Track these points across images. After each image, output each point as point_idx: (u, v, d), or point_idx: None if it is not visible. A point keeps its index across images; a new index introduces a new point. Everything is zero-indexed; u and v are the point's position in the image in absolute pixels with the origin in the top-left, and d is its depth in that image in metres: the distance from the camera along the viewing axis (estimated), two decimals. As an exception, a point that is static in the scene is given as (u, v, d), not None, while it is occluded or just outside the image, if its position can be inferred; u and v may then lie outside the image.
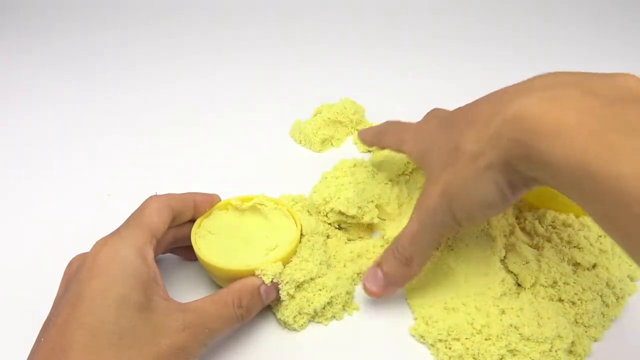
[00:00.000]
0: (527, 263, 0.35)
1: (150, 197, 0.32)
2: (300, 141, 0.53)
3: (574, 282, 0.34)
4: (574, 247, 0.36)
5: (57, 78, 0.68)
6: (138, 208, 0.31)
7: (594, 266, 0.36)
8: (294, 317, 0.33)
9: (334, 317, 0.34)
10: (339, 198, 0.38)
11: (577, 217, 0.38)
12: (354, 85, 0.66)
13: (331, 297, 0.33)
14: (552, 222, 0.38)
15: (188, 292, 0.35)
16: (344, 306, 0.35)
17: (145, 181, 0.47)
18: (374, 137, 0.43)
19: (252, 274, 0.31)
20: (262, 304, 0.32)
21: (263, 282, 0.31)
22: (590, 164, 0.20)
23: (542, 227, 0.38)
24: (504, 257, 0.36)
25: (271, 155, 0.51)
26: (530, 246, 0.37)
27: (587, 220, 0.38)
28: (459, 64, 0.73)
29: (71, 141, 0.54)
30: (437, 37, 0.83)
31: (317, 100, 0.56)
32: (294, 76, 0.69)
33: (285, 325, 0.33)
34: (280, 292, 0.32)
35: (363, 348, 0.32)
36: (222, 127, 0.56)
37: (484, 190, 0.27)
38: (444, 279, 0.36)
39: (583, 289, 0.34)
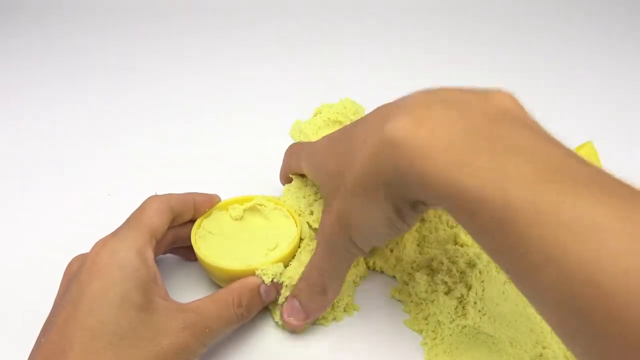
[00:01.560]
0: None
1: (150, 197, 0.32)
2: (300, 141, 0.53)
3: None
4: None
5: (57, 78, 0.68)
6: (138, 208, 0.31)
7: None
8: None
9: (335, 319, 0.34)
10: None
11: None
12: (354, 85, 0.66)
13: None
14: None
15: (188, 292, 0.35)
16: (344, 308, 0.34)
17: (145, 181, 0.47)
18: (282, 170, 0.39)
19: (252, 274, 0.31)
20: (262, 304, 0.32)
21: (263, 282, 0.31)
22: (455, 182, 0.20)
23: None
24: None
25: (271, 155, 0.51)
26: None
27: None
28: (460, 64, 0.73)
29: (71, 141, 0.54)
30: (437, 37, 0.83)
31: (317, 100, 0.56)
32: (294, 76, 0.69)
33: (283, 328, 0.33)
34: (279, 297, 0.32)
35: (363, 349, 0.32)
36: (222, 127, 0.56)
37: (374, 221, 0.27)
38: (487, 351, 0.31)
39: None
